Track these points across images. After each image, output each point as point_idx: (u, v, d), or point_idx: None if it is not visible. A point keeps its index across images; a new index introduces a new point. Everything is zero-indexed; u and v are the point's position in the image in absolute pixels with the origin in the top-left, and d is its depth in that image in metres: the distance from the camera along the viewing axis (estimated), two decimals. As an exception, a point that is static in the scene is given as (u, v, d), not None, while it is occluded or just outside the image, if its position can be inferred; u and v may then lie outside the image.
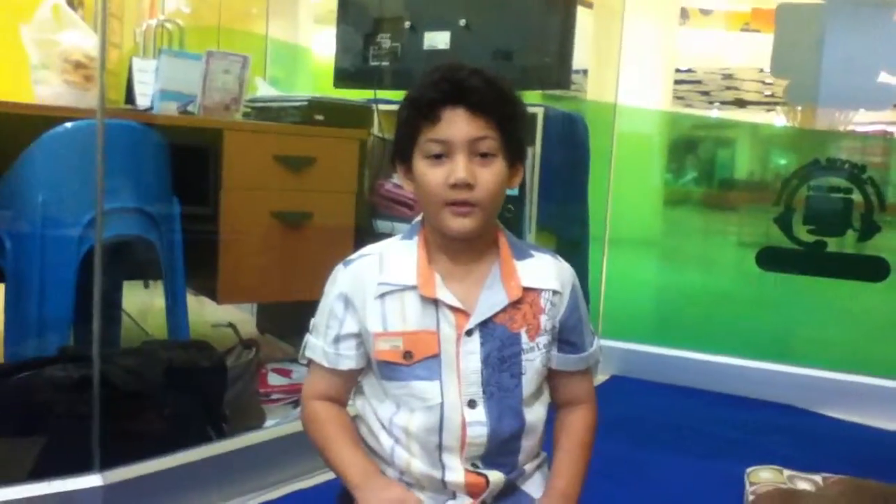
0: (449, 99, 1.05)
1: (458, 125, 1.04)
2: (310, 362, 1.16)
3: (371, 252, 1.14)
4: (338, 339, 1.12)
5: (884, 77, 2.84)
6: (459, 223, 1.06)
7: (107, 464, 1.58)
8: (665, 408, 2.68)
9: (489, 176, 1.06)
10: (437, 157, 1.05)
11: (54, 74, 2.03)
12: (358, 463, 1.09)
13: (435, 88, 1.06)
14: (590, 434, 1.19)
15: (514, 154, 1.09)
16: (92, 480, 1.55)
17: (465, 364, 1.08)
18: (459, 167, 1.04)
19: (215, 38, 3.76)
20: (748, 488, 1.87)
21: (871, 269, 2.82)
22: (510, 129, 1.08)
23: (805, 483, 1.86)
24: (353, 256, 1.15)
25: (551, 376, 1.17)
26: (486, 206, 1.06)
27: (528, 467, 1.14)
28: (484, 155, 1.06)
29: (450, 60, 1.10)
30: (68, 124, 1.89)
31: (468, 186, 1.04)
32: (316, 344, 1.15)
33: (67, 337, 1.95)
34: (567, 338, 1.16)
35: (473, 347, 1.08)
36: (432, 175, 1.06)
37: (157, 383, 1.75)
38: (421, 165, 1.07)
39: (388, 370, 1.09)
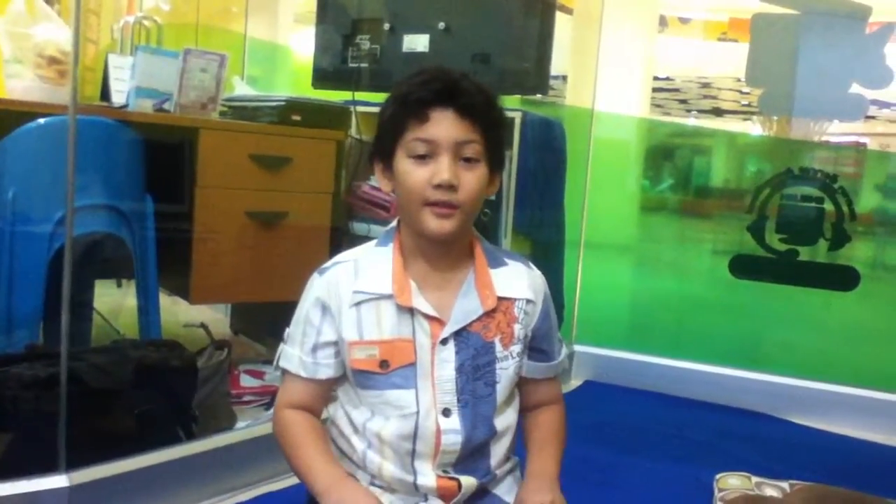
0: (439, 99, 1.04)
1: (446, 126, 1.04)
2: (284, 372, 1.15)
3: (346, 259, 1.13)
4: (315, 348, 1.11)
5: (856, 88, 2.88)
6: (439, 224, 1.05)
7: (73, 464, 1.56)
8: (637, 413, 2.70)
9: (472, 180, 1.06)
10: (422, 157, 1.05)
11: (27, 69, 2.00)
12: (325, 470, 1.07)
13: (426, 87, 1.05)
14: (560, 427, 1.20)
15: (495, 162, 1.10)
16: (57, 481, 1.52)
17: (439, 372, 1.08)
18: (444, 168, 1.04)
19: (193, 36, 3.73)
20: (717, 494, 1.89)
21: (842, 278, 2.85)
22: (494, 137, 1.09)
23: (772, 490, 1.88)
24: (327, 264, 1.14)
25: (520, 382, 1.17)
26: (467, 210, 1.06)
27: (500, 472, 1.15)
28: (468, 159, 1.06)
29: (433, 63, 1.10)
30: (41, 120, 1.87)
31: (451, 188, 1.04)
32: (292, 354, 1.13)
33: (37, 334, 1.93)
34: (538, 346, 1.17)
35: (448, 356, 1.08)
36: (416, 174, 1.05)
37: (126, 383, 1.73)
38: (404, 164, 1.06)
39: (364, 379, 1.09)
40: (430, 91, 1.05)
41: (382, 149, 1.10)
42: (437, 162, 1.05)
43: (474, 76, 1.09)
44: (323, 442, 1.12)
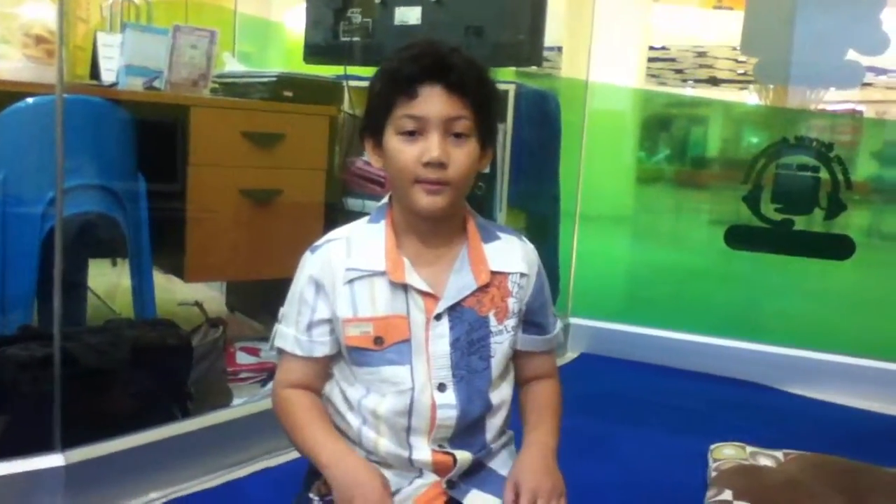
0: (428, 75, 1.03)
1: (435, 103, 1.03)
2: (280, 352, 1.14)
3: (338, 237, 1.12)
4: (310, 326, 1.10)
5: (853, 56, 2.85)
6: (430, 200, 1.04)
7: (69, 443, 1.56)
8: (633, 385, 2.71)
9: (462, 156, 1.04)
10: (411, 133, 1.04)
11: (14, 49, 1.98)
12: (329, 444, 1.08)
13: (414, 62, 1.04)
14: (557, 399, 1.20)
15: (486, 136, 1.09)
16: (54, 460, 1.53)
17: (434, 348, 1.08)
18: (434, 146, 1.03)
19: (183, 13, 3.68)
20: (711, 464, 1.90)
21: (838, 248, 2.85)
22: (485, 111, 1.07)
23: (767, 459, 1.89)
24: (319, 242, 1.13)
25: (516, 356, 1.17)
26: (458, 186, 1.06)
27: (495, 446, 1.15)
28: (458, 135, 1.04)
29: (424, 36, 1.08)
30: (29, 100, 1.86)
31: (441, 165, 1.03)
32: (287, 333, 1.12)
33: (31, 315, 1.93)
34: (533, 319, 1.17)
35: (443, 331, 1.08)
36: (405, 152, 1.04)
37: (120, 362, 1.73)
38: (393, 141, 1.05)
39: (359, 355, 1.08)
40: (419, 66, 1.03)
41: (372, 125, 1.09)
42: (426, 139, 1.03)
43: (465, 49, 1.07)
44: (324, 418, 1.12)
